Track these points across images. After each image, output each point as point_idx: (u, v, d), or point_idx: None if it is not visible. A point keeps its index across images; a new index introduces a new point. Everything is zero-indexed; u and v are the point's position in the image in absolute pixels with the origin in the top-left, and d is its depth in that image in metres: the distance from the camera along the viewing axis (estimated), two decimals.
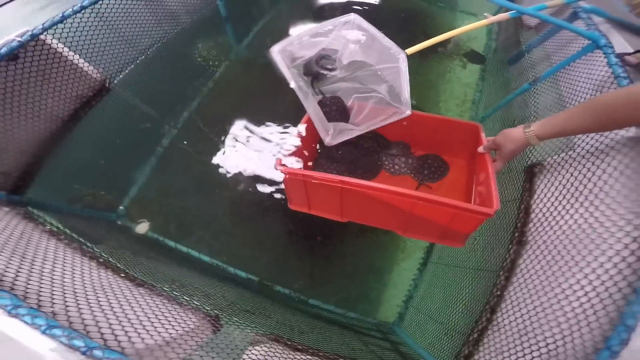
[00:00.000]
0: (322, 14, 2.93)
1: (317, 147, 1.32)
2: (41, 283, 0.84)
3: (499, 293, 1.03)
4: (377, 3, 3.07)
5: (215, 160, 1.96)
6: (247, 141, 2.03)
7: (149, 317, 0.91)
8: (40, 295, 0.78)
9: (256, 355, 0.84)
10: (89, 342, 0.59)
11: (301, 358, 0.95)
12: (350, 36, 1.21)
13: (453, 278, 1.46)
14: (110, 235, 1.61)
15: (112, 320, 0.80)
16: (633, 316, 0.62)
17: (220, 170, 1.92)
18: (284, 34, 2.67)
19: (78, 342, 0.59)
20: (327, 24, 1.20)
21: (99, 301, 0.89)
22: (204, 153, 1.99)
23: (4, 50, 1.22)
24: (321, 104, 1.20)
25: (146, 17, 1.96)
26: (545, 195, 1.11)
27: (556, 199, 1.05)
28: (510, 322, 0.93)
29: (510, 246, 1.12)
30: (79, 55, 1.58)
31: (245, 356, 0.83)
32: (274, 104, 2.18)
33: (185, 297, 1.14)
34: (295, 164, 1.19)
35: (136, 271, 1.21)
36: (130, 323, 0.83)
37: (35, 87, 1.43)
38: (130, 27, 1.87)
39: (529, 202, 1.18)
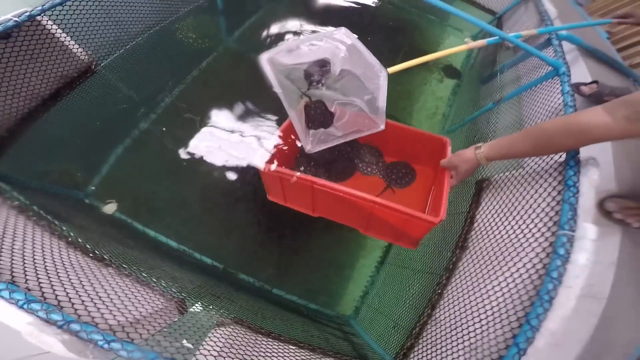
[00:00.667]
0: (316, 13, 2.96)
1: (299, 146, 1.41)
2: (12, 259, 0.87)
3: (440, 291, 1.18)
4: (374, 5, 3.14)
5: (191, 147, 1.98)
6: (226, 131, 2.06)
7: (119, 296, 0.96)
8: (14, 271, 0.81)
9: (220, 335, 0.93)
10: (67, 316, 0.64)
11: (263, 340, 1.04)
12: (339, 48, 1.29)
13: (404, 278, 1.61)
14: (78, 215, 1.60)
15: (84, 298, 0.85)
16: (537, 317, 0.72)
17: (195, 157, 1.95)
18: (276, 30, 2.72)
19: (56, 316, 0.63)
20: (318, 36, 1.27)
21: (70, 279, 0.93)
22: (180, 139, 2.01)
23: None
24: (306, 107, 1.28)
25: (143, 4, 1.98)
26: (487, 208, 1.26)
27: (495, 212, 1.18)
28: (445, 317, 1.07)
29: (455, 250, 1.27)
30: (70, 37, 1.59)
31: (210, 335, 0.91)
32: (256, 97, 2.22)
33: (153, 279, 1.19)
34: (275, 161, 1.27)
35: (104, 252, 1.24)
36: (102, 301, 0.88)
37: (22, 66, 1.43)
38: (126, 13, 1.89)
39: (474, 212, 1.33)
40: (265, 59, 1.10)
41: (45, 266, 0.94)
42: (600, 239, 0.78)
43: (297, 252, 1.81)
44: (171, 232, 1.75)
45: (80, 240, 1.23)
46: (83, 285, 0.92)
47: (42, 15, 1.38)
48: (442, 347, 1.00)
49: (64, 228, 1.26)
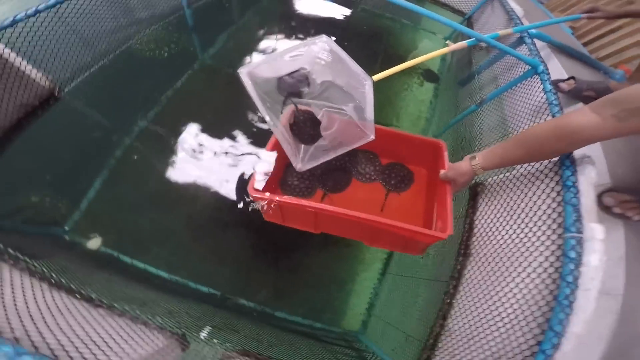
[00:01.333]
0: (291, 25, 2.98)
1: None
2: None
3: (449, 301, 1.16)
4: (346, 14, 3.18)
5: (172, 173, 1.90)
6: (207, 154, 1.99)
7: (114, 339, 0.88)
8: None
9: None
10: None
11: None
12: (320, 57, 1.26)
13: (409, 288, 1.59)
14: (59, 253, 1.49)
15: (77, 344, 0.77)
16: (559, 323, 0.71)
17: (177, 183, 1.87)
18: (251, 44, 2.68)
19: None
20: (298, 47, 1.24)
21: (59, 325, 0.85)
22: (159, 165, 1.92)
23: None
24: (294, 117, 1.24)
25: (107, 23, 1.87)
26: (486, 212, 1.26)
27: (495, 216, 1.19)
28: (459, 327, 1.05)
29: (458, 258, 1.27)
30: (27, 61, 1.46)
31: None
32: (236, 115, 2.18)
33: (148, 316, 1.11)
34: (263, 182, 1.22)
35: (92, 291, 1.15)
36: (97, 346, 0.80)
37: None
38: (88, 32, 1.76)
39: (472, 218, 1.33)
40: (245, 73, 1.04)
41: (30, 313, 0.85)
42: (607, 236, 0.79)
43: (294, 271, 1.76)
44: (161, 262, 1.66)
45: (63, 280, 1.14)
46: (74, 331, 0.85)
47: None
48: (462, 357, 0.97)
49: (45, 270, 1.16)
